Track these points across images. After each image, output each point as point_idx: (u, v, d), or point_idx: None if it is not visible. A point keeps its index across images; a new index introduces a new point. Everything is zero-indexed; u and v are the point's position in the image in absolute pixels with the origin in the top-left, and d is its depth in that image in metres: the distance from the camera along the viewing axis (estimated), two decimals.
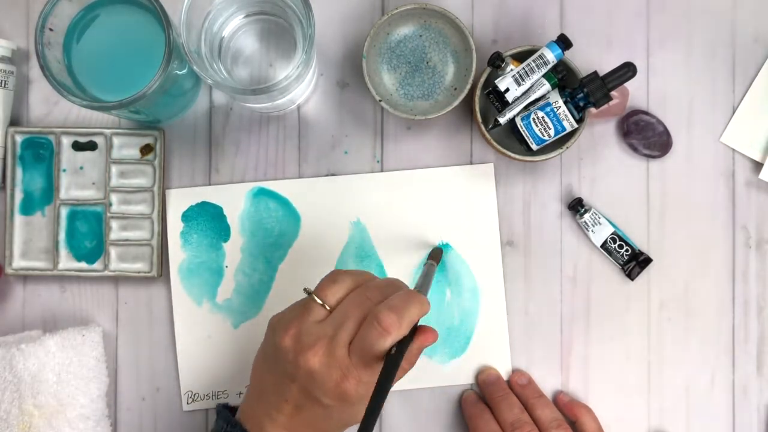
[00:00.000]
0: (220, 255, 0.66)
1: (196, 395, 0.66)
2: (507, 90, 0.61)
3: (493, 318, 0.67)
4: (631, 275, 0.67)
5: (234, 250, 0.66)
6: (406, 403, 0.67)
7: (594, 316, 0.67)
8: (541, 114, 0.61)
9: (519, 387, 0.65)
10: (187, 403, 0.66)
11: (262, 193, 0.67)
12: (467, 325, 0.67)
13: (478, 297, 0.67)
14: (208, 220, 0.66)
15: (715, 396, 0.67)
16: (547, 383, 0.67)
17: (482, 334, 0.67)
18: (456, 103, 0.62)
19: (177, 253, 0.66)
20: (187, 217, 0.66)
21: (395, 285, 0.53)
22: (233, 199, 0.66)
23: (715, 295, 0.67)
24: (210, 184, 0.67)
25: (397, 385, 0.65)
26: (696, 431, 0.67)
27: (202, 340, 0.66)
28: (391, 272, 0.67)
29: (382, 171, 0.67)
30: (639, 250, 0.67)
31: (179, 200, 0.66)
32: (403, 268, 0.67)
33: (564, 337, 0.67)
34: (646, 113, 0.67)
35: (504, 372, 0.66)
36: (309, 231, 0.67)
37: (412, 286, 0.56)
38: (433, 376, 0.66)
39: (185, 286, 0.66)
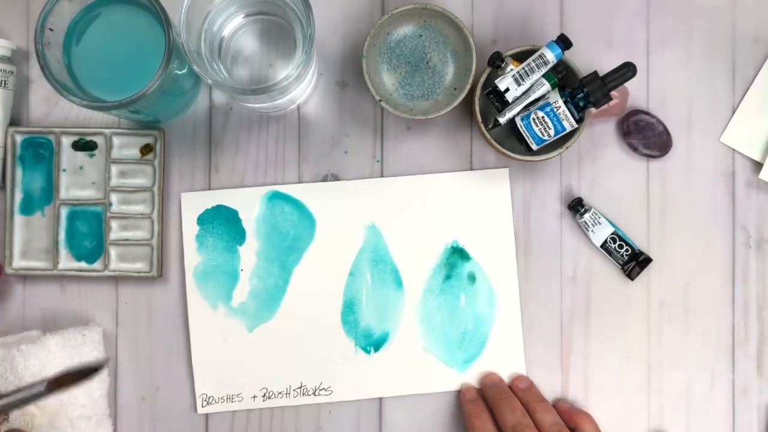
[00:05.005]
0: (235, 258, 0.66)
1: (211, 398, 0.66)
2: (507, 90, 0.61)
3: (507, 323, 0.67)
4: (631, 275, 0.67)
5: (249, 253, 0.66)
6: (405, 406, 0.67)
7: (594, 316, 0.67)
8: (541, 114, 0.61)
9: (520, 391, 0.65)
10: (202, 406, 0.66)
11: (277, 196, 0.67)
12: (482, 330, 0.67)
13: (493, 302, 0.67)
14: (224, 223, 0.66)
15: (715, 396, 0.67)
16: (547, 383, 0.67)
17: (497, 339, 0.66)
18: (456, 103, 0.62)
19: (192, 257, 0.66)
20: (202, 220, 0.66)
21: None
22: (248, 203, 0.66)
23: (715, 295, 0.67)
24: (210, 184, 0.67)
25: (405, 389, 0.66)
26: (696, 431, 0.67)
27: (217, 343, 0.66)
28: (406, 276, 0.67)
29: (381, 171, 0.67)
30: (639, 250, 0.67)
31: (195, 203, 0.66)
32: (418, 273, 0.67)
33: (564, 337, 0.67)
34: (646, 113, 0.67)
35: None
36: (324, 235, 0.67)
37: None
38: (447, 380, 0.66)
39: (200, 289, 0.66)
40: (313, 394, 0.66)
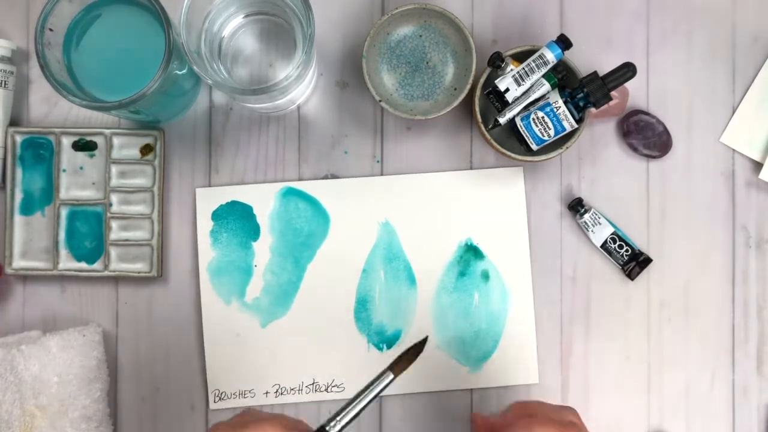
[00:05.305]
0: (249, 254, 0.67)
1: (223, 393, 0.66)
2: (507, 90, 0.61)
3: (521, 322, 0.67)
4: (631, 275, 0.67)
5: (263, 249, 0.66)
6: (405, 406, 0.67)
7: (594, 316, 0.67)
8: (541, 114, 0.61)
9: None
10: (214, 402, 0.66)
11: (292, 192, 0.67)
12: (495, 328, 0.67)
13: (506, 301, 0.67)
14: (238, 219, 0.67)
15: (715, 396, 0.67)
16: (548, 383, 0.67)
17: (510, 337, 0.67)
18: (456, 103, 0.62)
19: (206, 252, 0.66)
20: (217, 215, 0.66)
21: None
22: (263, 199, 0.67)
23: (715, 295, 0.67)
24: (210, 185, 0.67)
25: (418, 387, 0.66)
26: (696, 431, 0.67)
27: (230, 339, 0.66)
28: (420, 274, 0.67)
29: (381, 171, 0.67)
30: (639, 250, 0.67)
31: (209, 199, 0.66)
32: (431, 270, 0.67)
33: (564, 337, 0.67)
34: (646, 113, 0.67)
35: (530, 376, 0.66)
36: (338, 232, 0.67)
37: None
38: (460, 379, 0.66)
39: (214, 284, 0.66)
40: (326, 390, 0.66)
